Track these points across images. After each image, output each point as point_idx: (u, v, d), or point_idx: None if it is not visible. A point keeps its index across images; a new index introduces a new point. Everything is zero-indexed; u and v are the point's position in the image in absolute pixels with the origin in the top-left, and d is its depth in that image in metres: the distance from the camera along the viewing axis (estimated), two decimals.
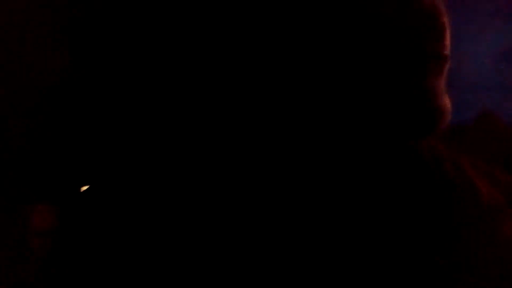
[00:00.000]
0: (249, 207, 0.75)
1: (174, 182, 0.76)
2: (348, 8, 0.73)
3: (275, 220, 0.75)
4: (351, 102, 0.75)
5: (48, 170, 0.85)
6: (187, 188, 0.76)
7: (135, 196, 0.77)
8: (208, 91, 0.74)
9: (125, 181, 0.78)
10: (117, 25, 0.75)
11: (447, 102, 0.78)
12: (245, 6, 0.72)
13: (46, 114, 0.80)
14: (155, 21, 0.74)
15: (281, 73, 0.73)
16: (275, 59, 0.73)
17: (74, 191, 0.82)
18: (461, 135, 1.30)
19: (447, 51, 0.78)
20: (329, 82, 0.74)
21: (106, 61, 0.77)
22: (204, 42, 0.73)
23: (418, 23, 0.75)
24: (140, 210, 0.76)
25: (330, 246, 0.75)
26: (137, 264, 0.74)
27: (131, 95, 0.77)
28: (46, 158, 0.84)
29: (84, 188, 0.82)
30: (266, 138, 0.75)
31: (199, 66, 0.73)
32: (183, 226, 0.75)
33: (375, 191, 0.78)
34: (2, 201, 0.89)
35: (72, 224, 0.79)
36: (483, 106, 1.49)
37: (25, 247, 0.87)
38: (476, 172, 0.87)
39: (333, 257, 0.75)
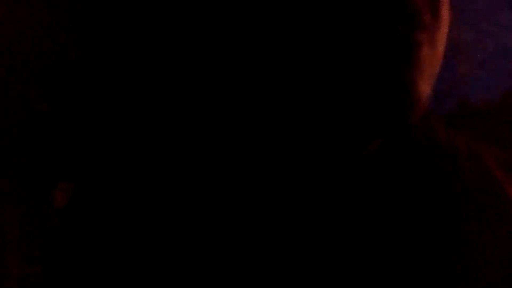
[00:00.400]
0: (247, 206, 0.74)
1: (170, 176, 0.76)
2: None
3: (273, 219, 0.74)
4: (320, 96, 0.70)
5: (67, 148, 0.86)
6: (181, 183, 0.76)
7: (135, 187, 0.77)
8: (202, 91, 0.74)
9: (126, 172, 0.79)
10: (116, 24, 0.74)
11: (421, 90, 0.70)
12: (239, 9, 0.71)
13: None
14: (153, 20, 0.75)
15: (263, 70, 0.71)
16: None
17: (89, 169, 0.83)
18: (486, 116, 1.28)
19: (420, 35, 0.70)
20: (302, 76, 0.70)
21: (104, 60, 0.77)
22: (201, 42, 0.73)
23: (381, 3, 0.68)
24: (139, 200, 0.76)
25: (332, 243, 0.74)
26: (137, 250, 0.75)
27: (128, 93, 0.77)
28: (64, 138, 0.85)
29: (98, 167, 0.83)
30: (263, 134, 0.73)
31: (196, 66, 0.73)
32: (179, 220, 0.75)
33: (376, 188, 0.75)
34: (25, 180, 0.90)
35: (79, 203, 0.80)
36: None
37: (48, 224, 0.88)
38: (498, 165, 0.81)
39: (335, 255, 0.74)
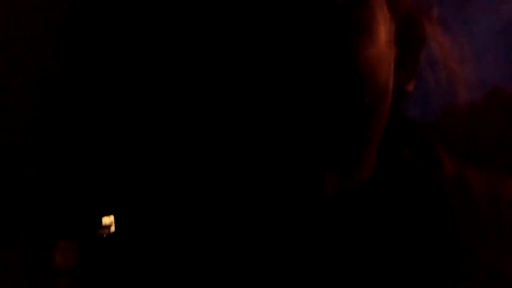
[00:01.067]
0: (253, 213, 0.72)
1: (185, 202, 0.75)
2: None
3: (276, 224, 0.72)
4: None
5: (67, 205, 0.84)
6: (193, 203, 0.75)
7: (154, 232, 0.77)
8: (204, 93, 0.71)
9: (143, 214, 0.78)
10: (115, 24, 0.74)
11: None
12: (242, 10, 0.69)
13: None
14: (152, 21, 0.73)
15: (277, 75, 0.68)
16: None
17: (93, 227, 0.83)
18: (471, 116, 1.27)
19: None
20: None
21: (102, 61, 0.77)
22: (201, 43, 0.71)
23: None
24: (159, 248, 0.76)
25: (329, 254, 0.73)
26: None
27: (129, 97, 0.76)
28: (63, 193, 0.84)
29: (104, 222, 0.82)
30: (267, 138, 0.70)
31: (197, 67, 0.71)
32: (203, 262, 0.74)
33: (367, 228, 0.73)
34: (24, 238, 0.89)
35: (93, 262, 0.79)
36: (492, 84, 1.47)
37: (48, 285, 0.87)
38: (485, 189, 0.78)
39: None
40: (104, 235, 0.82)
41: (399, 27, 0.77)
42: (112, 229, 0.81)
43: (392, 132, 0.77)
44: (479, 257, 0.74)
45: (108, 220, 0.83)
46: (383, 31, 0.73)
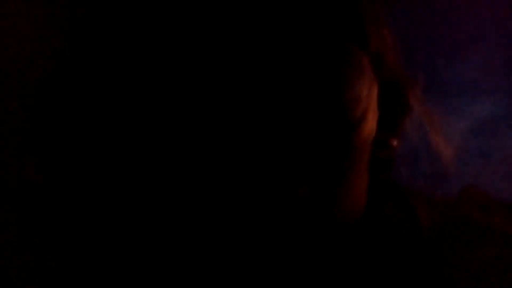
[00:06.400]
0: (242, 210, 0.73)
1: (169, 180, 0.75)
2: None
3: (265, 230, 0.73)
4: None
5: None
6: (180, 186, 0.75)
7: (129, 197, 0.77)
8: (204, 92, 0.72)
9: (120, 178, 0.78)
10: (115, 24, 0.74)
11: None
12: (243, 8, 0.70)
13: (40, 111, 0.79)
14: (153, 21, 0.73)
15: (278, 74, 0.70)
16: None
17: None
18: (445, 209, 1.29)
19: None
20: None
21: (102, 61, 0.76)
22: (203, 42, 0.72)
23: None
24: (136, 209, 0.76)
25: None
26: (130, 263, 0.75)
27: (127, 94, 0.76)
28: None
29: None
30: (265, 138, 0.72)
31: (198, 66, 0.72)
32: (178, 226, 0.75)
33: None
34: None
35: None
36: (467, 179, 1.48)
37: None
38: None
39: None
40: None
41: (383, 91, 0.78)
42: None
43: (379, 190, 0.80)
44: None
45: None
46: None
